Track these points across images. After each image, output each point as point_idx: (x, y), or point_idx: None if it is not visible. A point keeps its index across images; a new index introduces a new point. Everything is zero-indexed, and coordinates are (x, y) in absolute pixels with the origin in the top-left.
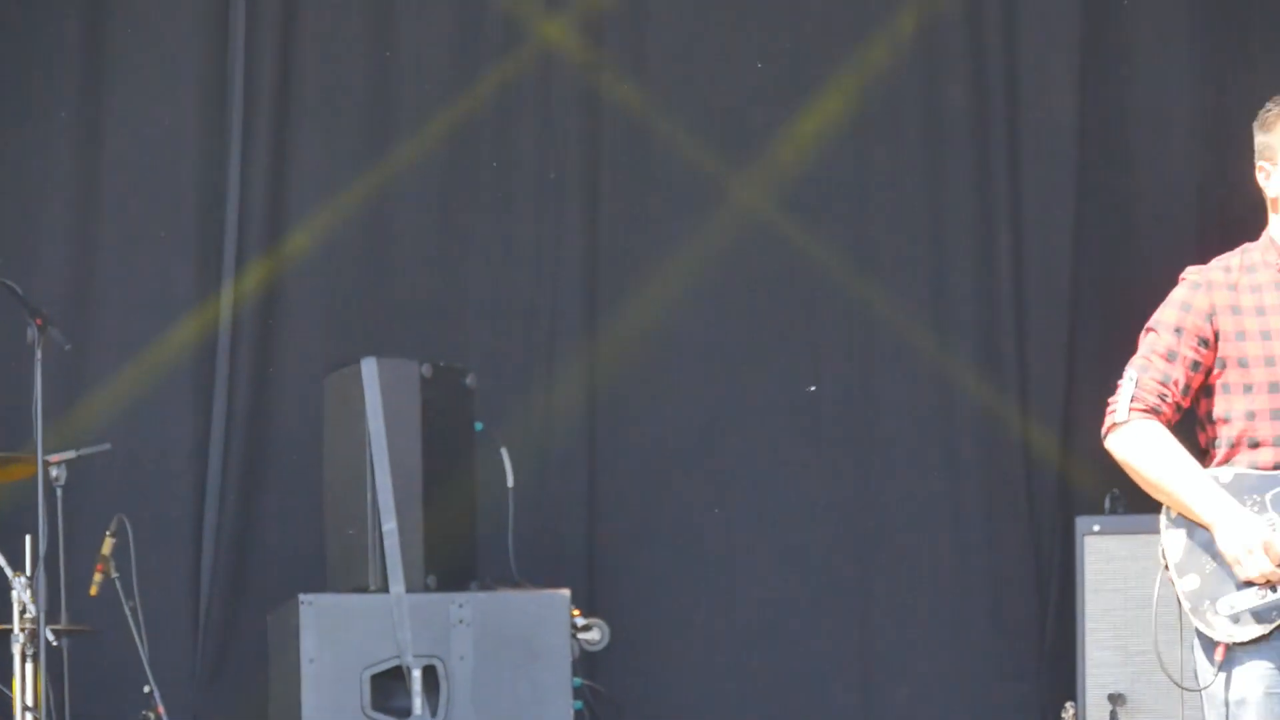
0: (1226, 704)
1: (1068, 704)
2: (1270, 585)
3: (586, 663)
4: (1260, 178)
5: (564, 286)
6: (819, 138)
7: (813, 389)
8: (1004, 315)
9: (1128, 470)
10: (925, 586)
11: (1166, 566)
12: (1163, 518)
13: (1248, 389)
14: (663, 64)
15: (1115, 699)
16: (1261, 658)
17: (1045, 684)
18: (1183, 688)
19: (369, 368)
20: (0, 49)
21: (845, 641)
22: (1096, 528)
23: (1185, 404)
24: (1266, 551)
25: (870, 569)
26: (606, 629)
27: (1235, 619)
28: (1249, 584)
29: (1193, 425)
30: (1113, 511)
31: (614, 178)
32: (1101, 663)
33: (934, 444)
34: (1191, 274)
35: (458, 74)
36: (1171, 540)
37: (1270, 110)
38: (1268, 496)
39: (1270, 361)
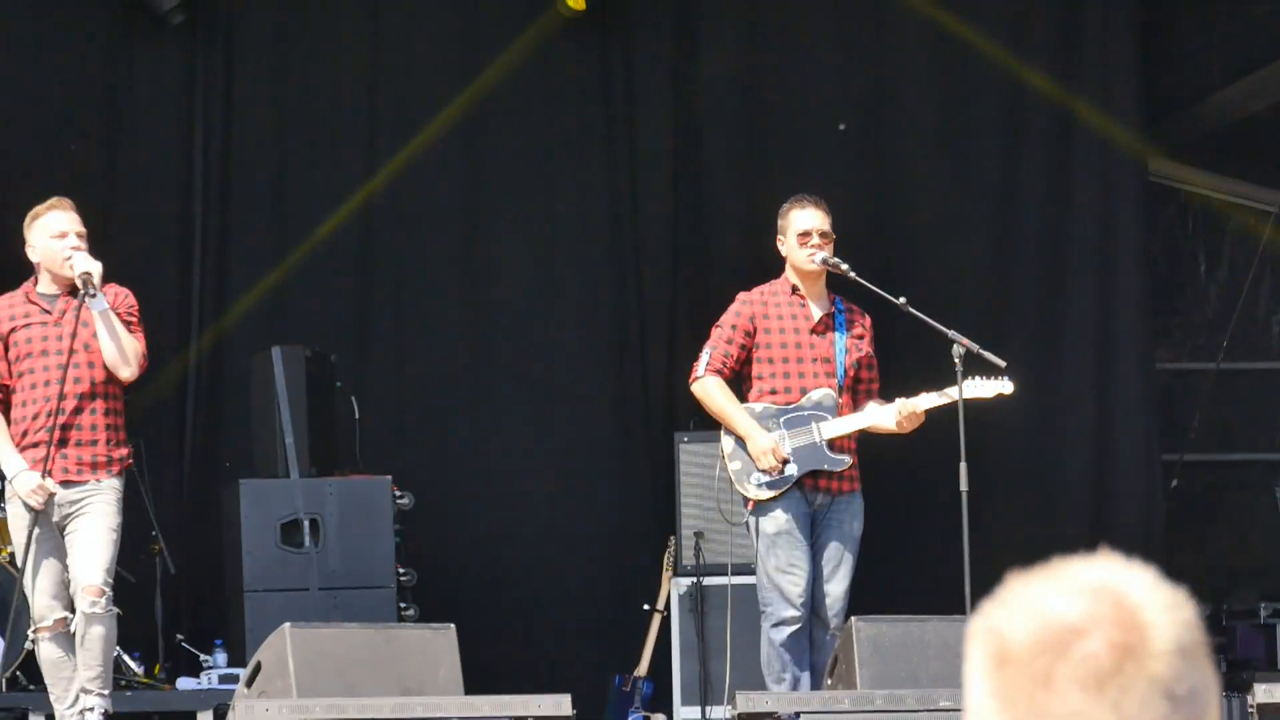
0: (758, 535)
1: (670, 538)
2: (778, 471)
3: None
4: (780, 246)
5: None
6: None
7: None
8: (628, 300)
9: (704, 406)
10: (587, 482)
11: (724, 457)
12: (723, 432)
13: (770, 361)
14: None
15: (698, 535)
16: (775, 508)
17: (655, 531)
18: (731, 522)
19: (275, 352)
20: None
21: None
22: (686, 439)
23: (737, 369)
24: (774, 455)
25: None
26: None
27: (759, 486)
28: (765, 471)
29: (741, 380)
30: (693, 429)
31: None
32: (692, 516)
33: (605, 386)
34: (742, 296)
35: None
36: (728, 444)
37: (788, 207)
38: (782, 420)
39: (784, 345)
